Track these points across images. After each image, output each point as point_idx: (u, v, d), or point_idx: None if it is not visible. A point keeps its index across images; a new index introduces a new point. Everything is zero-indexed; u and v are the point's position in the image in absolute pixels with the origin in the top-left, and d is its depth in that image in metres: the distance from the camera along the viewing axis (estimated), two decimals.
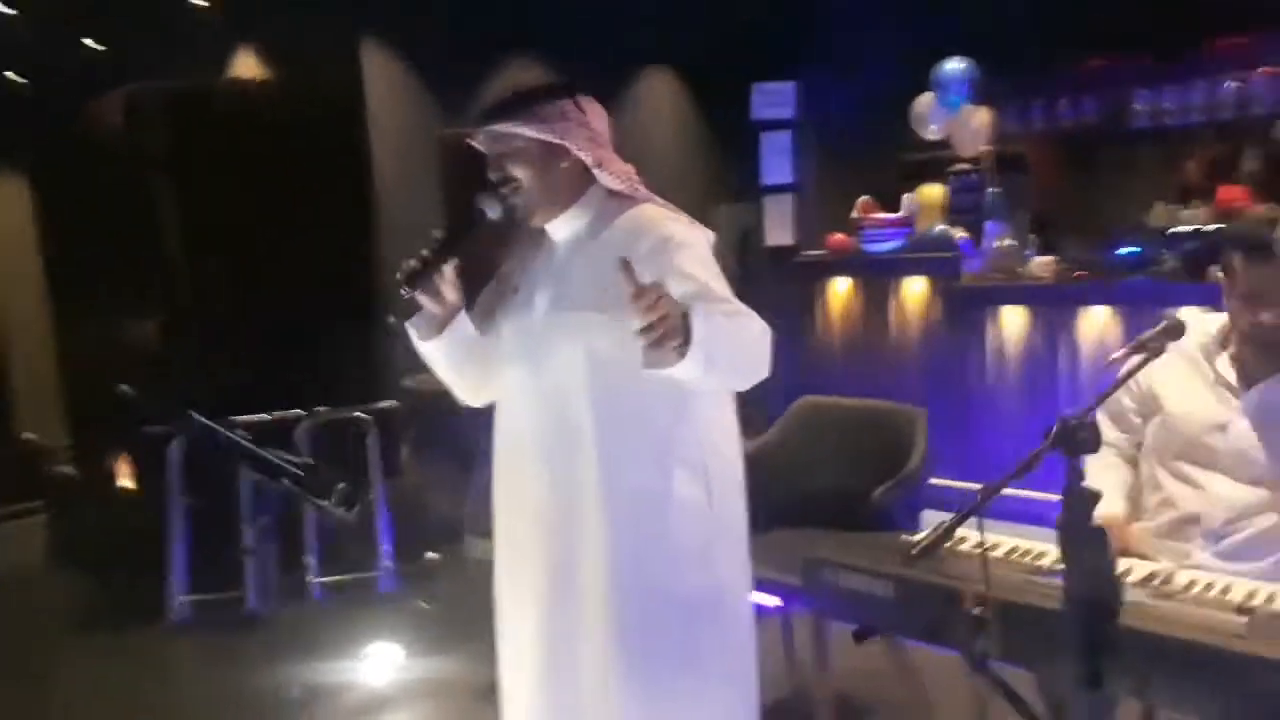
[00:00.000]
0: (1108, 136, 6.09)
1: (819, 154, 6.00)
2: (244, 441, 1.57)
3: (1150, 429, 2.20)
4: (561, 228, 1.94)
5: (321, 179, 5.22)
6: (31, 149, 6.24)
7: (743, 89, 5.94)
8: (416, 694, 3.39)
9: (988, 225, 5.19)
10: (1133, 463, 2.24)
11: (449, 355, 1.98)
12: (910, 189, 5.75)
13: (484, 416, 5.09)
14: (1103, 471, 2.19)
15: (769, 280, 5.56)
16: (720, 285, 1.78)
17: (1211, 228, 5.59)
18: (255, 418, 4.24)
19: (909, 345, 5.11)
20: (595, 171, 1.88)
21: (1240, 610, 1.63)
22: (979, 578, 1.77)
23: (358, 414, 4.51)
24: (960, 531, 2.06)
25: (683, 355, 1.54)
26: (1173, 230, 6.07)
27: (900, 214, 5.31)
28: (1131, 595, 1.65)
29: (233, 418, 4.20)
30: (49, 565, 5.39)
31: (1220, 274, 2.10)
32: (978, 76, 5.61)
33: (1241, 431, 2.05)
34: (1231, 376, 2.09)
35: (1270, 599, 1.70)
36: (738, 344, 1.66)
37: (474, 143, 1.95)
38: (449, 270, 1.89)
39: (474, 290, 2.05)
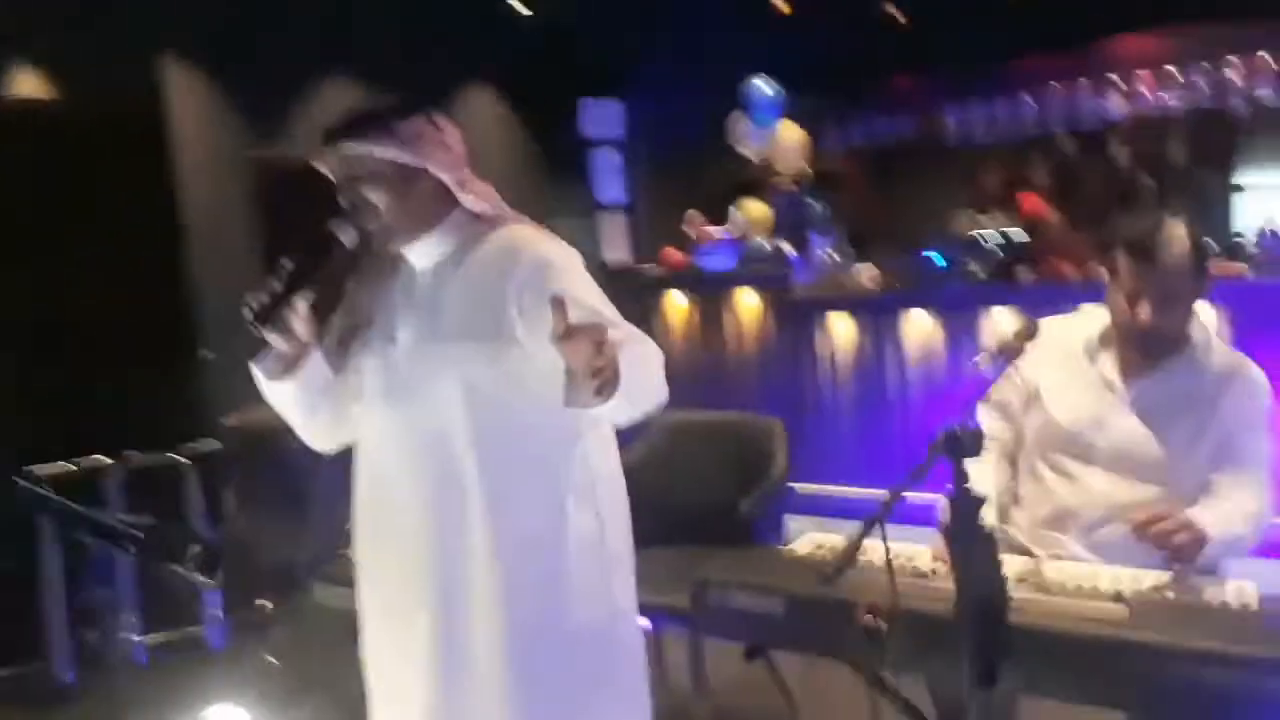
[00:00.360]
0: (919, 151, 6.44)
1: (649, 171, 6.05)
2: (77, 507, 1.37)
3: (1031, 422, 2.24)
4: (422, 254, 1.82)
5: (122, 204, 4.82)
6: None
7: (570, 107, 5.92)
8: None
9: (813, 238, 5.37)
10: (1012, 456, 2.28)
11: (301, 397, 1.82)
12: (734, 204, 5.89)
13: (317, 456, 4.81)
14: (978, 473, 2.25)
15: (607, 297, 5.53)
16: (609, 309, 1.72)
17: (1014, 231, 6.01)
18: (57, 467, 3.86)
19: (745, 356, 5.21)
20: (457, 193, 1.78)
21: (1117, 598, 1.70)
22: (869, 589, 1.78)
23: (174, 457, 4.18)
24: (828, 540, 2.09)
25: (604, 398, 1.45)
26: (974, 233, 6.51)
27: (729, 228, 5.41)
28: (1013, 592, 1.69)
29: (29, 468, 3.83)
30: None
31: (1107, 273, 2.15)
32: (784, 96, 5.82)
33: (1120, 428, 2.11)
34: (1113, 374, 2.15)
35: (1136, 583, 1.78)
36: (647, 373, 1.61)
37: (320, 165, 1.81)
38: (301, 304, 1.73)
39: (323, 325, 1.90)
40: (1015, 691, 1.66)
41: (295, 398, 1.80)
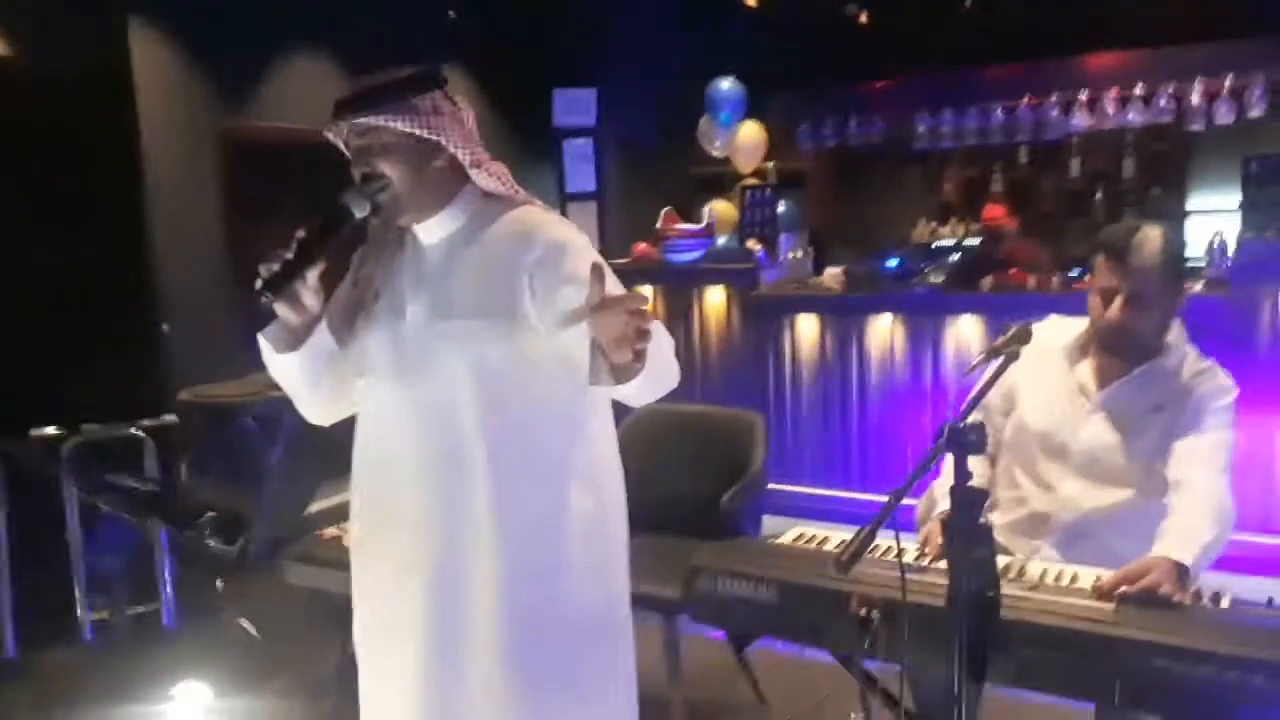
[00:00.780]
0: (886, 156, 6.54)
1: (620, 162, 6.05)
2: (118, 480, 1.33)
3: (1009, 426, 2.29)
4: (433, 230, 1.81)
5: (82, 171, 4.70)
6: None
7: (542, 95, 5.89)
8: None
9: (781, 238, 5.42)
10: (992, 458, 2.33)
11: (305, 370, 1.78)
12: (703, 201, 5.93)
13: (271, 434, 4.71)
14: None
15: None
16: (621, 292, 1.72)
17: (973, 243, 6.15)
18: (12, 438, 3.74)
19: (710, 352, 5.24)
20: (471, 171, 1.77)
21: (1100, 597, 1.76)
22: (861, 580, 1.82)
23: (131, 431, 4.08)
24: (831, 535, 2.13)
25: (633, 372, 1.45)
26: (936, 245, 6.65)
27: (701, 225, 5.44)
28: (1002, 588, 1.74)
29: None
30: None
31: (1087, 279, 2.21)
32: (746, 96, 5.87)
33: (1090, 432, 2.17)
34: (1088, 379, 2.21)
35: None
36: (664, 356, 1.61)
37: (331, 136, 1.79)
38: (311, 276, 1.70)
39: (330, 297, 1.87)
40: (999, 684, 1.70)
41: (299, 370, 1.77)
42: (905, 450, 4.60)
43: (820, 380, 4.94)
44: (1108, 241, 2.12)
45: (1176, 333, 2.19)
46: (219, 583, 4.21)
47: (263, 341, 1.76)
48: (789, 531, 2.18)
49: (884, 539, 2.05)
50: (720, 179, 6.16)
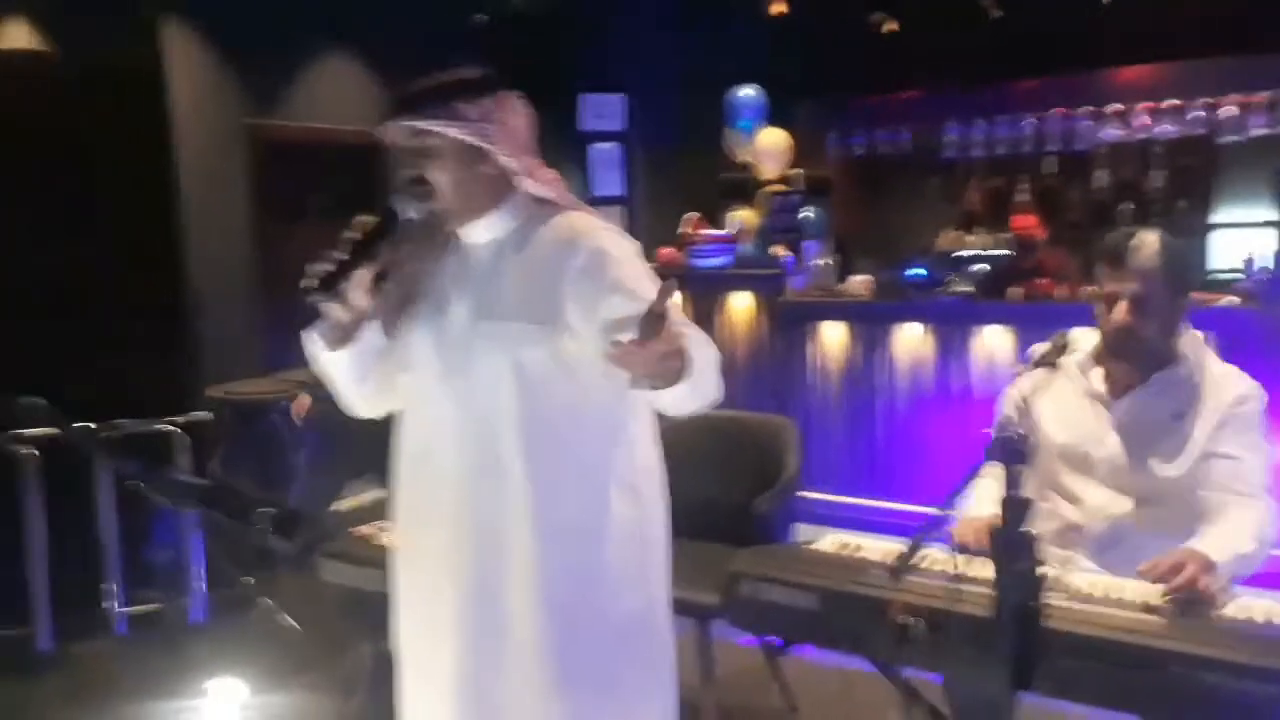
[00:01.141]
0: (914, 165, 6.53)
1: (646, 166, 6.06)
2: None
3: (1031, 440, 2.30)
4: (480, 232, 1.82)
5: (114, 164, 4.74)
6: None
7: (570, 99, 5.91)
8: None
9: (807, 245, 5.42)
10: None
11: (352, 366, 1.81)
12: (728, 206, 5.93)
13: (301, 430, 4.72)
14: (984, 488, 2.31)
15: None
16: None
17: (998, 252, 6.13)
18: (41, 433, 3.78)
19: (736, 358, 5.25)
20: (518, 180, 1.77)
21: (1147, 609, 1.75)
22: (903, 588, 1.82)
23: (164, 427, 4.11)
24: (869, 543, 2.14)
25: (678, 380, 1.47)
26: (961, 254, 6.63)
27: (728, 231, 5.44)
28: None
29: (18, 431, 3.76)
30: None
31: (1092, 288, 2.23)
32: (767, 103, 5.88)
33: (1113, 443, 2.18)
34: (1101, 388, 2.22)
35: (1157, 597, 1.83)
36: (705, 369, 1.61)
37: (384, 135, 1.81)
38: (363, 275, 1.72)
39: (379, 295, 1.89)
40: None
41: (347, 366, 1.80)
42: (933, 460, 4.59)
43: (847, 388, 4.94)
44: (1107, 248, 2.15)
45: (1190, 339, 2.20)
46: (249, 579, 4.24)
47: (310, 338, 1.78)
48: (826, 539, 2.18)
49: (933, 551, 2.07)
50: (746, 185, 6.16)
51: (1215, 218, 6.20)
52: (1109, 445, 2.18)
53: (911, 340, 4.80)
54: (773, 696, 3.02)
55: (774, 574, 1.94)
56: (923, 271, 5.19)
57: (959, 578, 1.90)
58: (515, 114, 1.79)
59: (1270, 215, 5.96)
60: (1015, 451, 1.64)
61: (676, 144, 6.06)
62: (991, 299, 4.72)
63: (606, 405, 1.78)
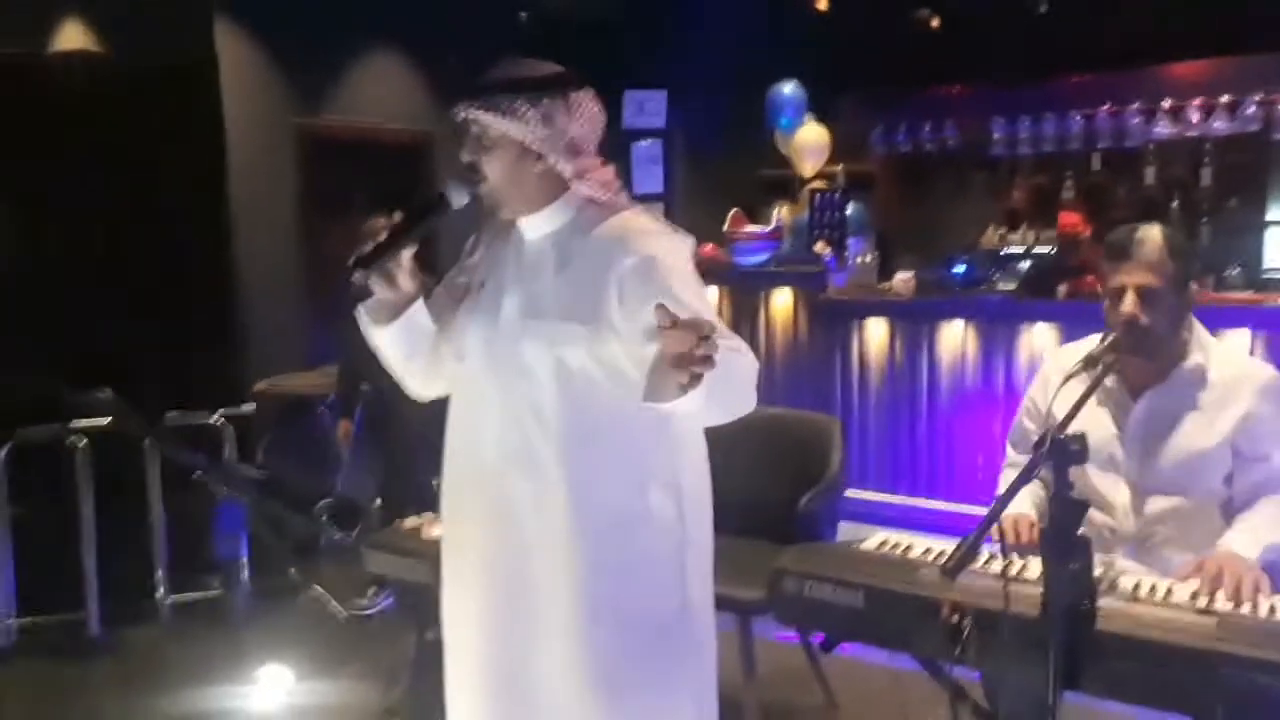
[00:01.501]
0: (958, 161, 6.46)
1: (688, 163, 6.06)
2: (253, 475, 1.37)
3: None
4: (536, 226, 1.83)
5: (166, 162, 4.83)
6: None
7: (612, 95, 5.92)
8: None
9: (850, 242, 5.39)
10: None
11: (399, 344, 1.85)
12: (770, 202, 5.92)
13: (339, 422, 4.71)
14: (1007, 473, 2.29)
15: None
16: (708, 309, 1.72)
17: (1043, 250, 6.05)
18: (92, 423, 3.87)
19: (777, 355, 5.23)
20: (573, 182, 1.78)
21: (1199, 611, 1.73)
22: (948, 586, 1.81)
23: (212, 419, 4.18)
24: (915, 541, 2.13)
25: (685, 393, 1.45)
26: (1005, 252, 6.55)
27: (770, 228, 5.43)
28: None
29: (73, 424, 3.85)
30: None
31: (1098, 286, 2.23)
32: (807, 99, 5.84)
33: (1136, 440, 2.19)
34: (1120, 389, 2.22)
35: (1212, 599, 1.81)
36: (734, 381, 1.60)
37: (454, 118, 1.82)
38: (406, 257, 1.76)
39: (431, 277, 1.93)
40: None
41: (394, 341, 1.84)
42: (976, 458, 4.55)
43: (890, 385, 4.91)
44: (1110, 244, 2.18)
45: (1198, 332, 2.21)
46: (292, 570, 4.30)
47: (362, 312, 1.82)
48: (872, 537, 2.17)
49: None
50: (787, 181, 6.14)
51: (1269, 216, 6.07)
52: (1132, 444, 2.19)
53: (954, 338, 4.76)
54: (814, 694, 3.02)
55: (819, 571, 1.93)
56: (966, 269, 5.15)
57: (1007, 577, 1.89)
58: (580, 116, 1.78)
59: None
60: (1070, 452, 1.64)
61: (718, 140, 6.05)
62: (1036, 297, 4.67)
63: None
